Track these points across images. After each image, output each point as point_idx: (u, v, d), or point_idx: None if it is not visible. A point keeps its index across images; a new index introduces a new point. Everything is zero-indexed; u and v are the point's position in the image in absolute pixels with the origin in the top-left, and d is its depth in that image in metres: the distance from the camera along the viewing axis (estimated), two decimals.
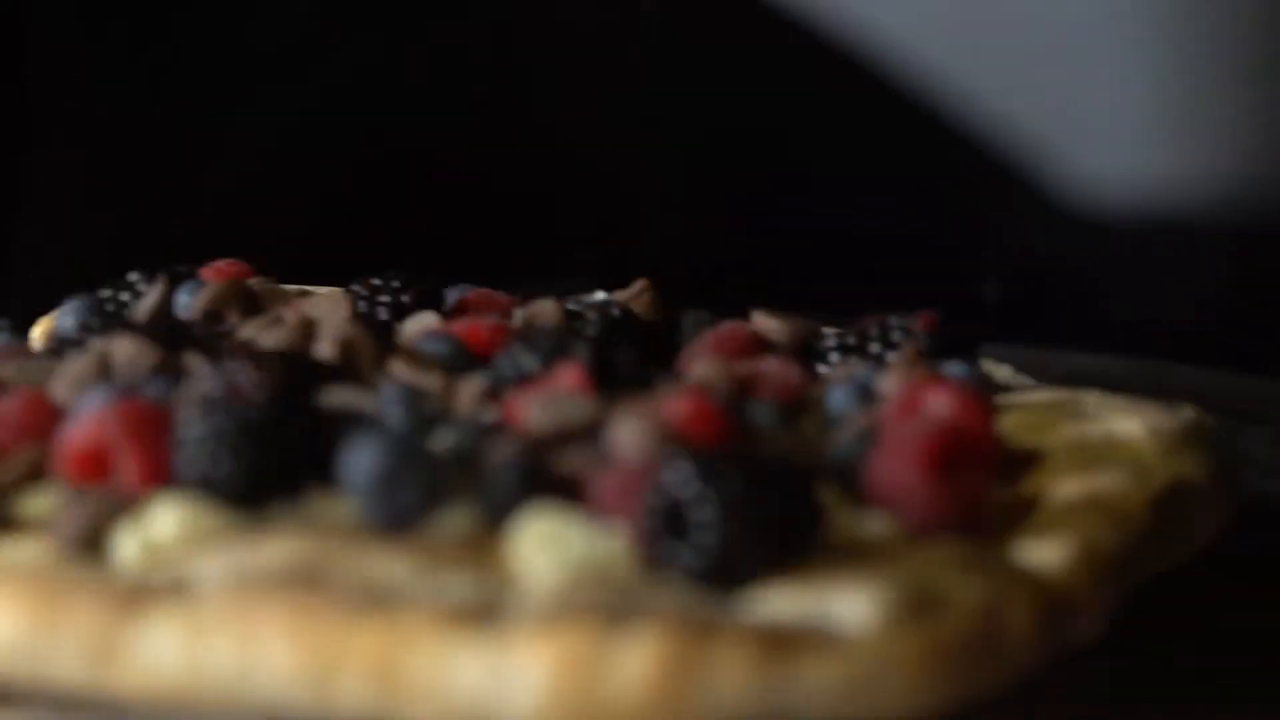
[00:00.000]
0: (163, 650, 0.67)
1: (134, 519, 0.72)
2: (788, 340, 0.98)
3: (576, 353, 0.86)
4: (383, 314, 0.98)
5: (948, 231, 1.56)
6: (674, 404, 0.80)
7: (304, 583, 0.68)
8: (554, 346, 0.87)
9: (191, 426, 0.74)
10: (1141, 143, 1.50)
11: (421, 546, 0.71)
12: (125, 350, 0.85)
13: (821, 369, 0.96)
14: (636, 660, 0.66)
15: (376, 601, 0.68)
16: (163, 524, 0.72)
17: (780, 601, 0.71)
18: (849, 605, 0.70)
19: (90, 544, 0.72)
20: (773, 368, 0.92)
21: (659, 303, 1.02)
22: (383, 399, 0.82)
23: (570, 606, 0.68)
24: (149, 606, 0.67)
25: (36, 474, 0.77)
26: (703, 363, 0.91)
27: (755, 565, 0.72)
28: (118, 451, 0.74)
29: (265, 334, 0.91)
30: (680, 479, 0.73)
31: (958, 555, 0.75)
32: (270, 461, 0.74)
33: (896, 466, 0.78)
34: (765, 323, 0.98)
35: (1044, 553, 0.77)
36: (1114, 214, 1.49)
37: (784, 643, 0.68)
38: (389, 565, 0.70)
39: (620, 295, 1.02)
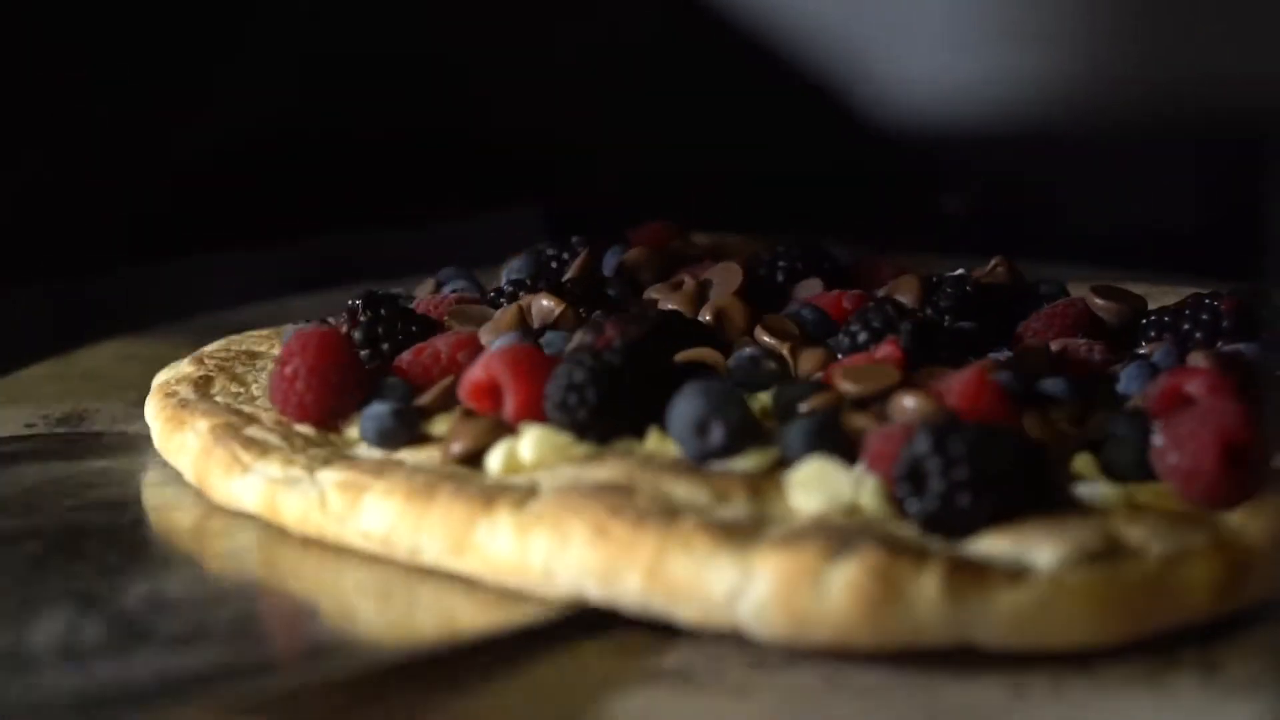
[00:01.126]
0: (501, 540, 0.91)
1: (506, 442, 0.97)
2: (1114, 318, 1.14)
3: (900, 330, 1.06)
4: (779, 277, 1.21)
5: None
6: (958, 379, 0.99)
7: (615, 496, 0.91)
8: (884, 324, 1.07)
9: (559, 372, 0.99)
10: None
11: (719, 478, 0.92)
12: (540, 305, 1.12)
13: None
14: (847, 576, 0.85)
15: (665, 516, 0.89)
16: (524, 447, 0.96)
17: (991, 545, 0.88)
18: (1043, 549, 0.87)
19: (471, 459, 0.97)
20: (1079, 346, 1.09)
21: (1014, 275, 1.21)
22: (733, 359, 1.06)
23: (817, 533, 0.88)
24: (496, 505, 0.91)
25: (450, 401, 1.02)
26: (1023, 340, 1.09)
27: (974, 517, 0.89)
28: (504, 387, 0.99)
29: (667, 296, 1.16)
30: (920, 441, 0.92)
31: (1170, 513, 0.91)
32: (615, 405, 0.96)
33: (1192, 454, 0.92)
34: (1096, 301, 1.15)
35: (1250, 518, 0.91)
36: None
37: (976, 573, 0.85)
38: (686, 490, 0.92)
39: (978, 271, 1.21)
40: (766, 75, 1.71)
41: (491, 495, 0.93)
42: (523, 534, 0.90)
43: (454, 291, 1.20)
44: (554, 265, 1.22)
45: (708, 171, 1.69)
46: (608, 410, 0.97)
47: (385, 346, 1.09)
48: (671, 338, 1.05)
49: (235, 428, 1.02)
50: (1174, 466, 0.94)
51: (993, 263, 1.21)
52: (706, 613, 0.87)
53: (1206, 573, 0.88)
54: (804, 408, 0.98)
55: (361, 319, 1.09)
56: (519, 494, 0.93)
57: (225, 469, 1.00)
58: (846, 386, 1.00)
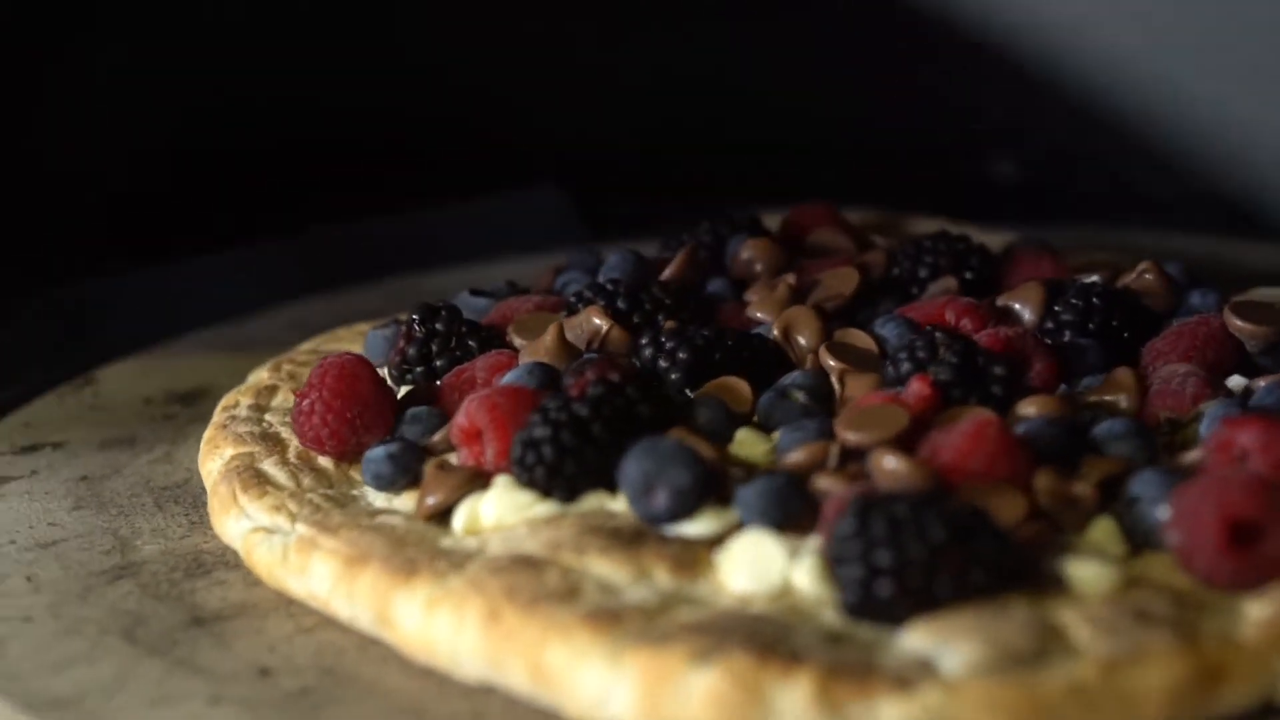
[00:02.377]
0: (411, 616, 0.90)
1: (474, 499, 0.96)
2: (1256, 342, 1.01)
3: (935, 367, 0.98)
4: (922, 273, 1.14)
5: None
6: (958, 430, 0.92)
7: (521, 574, 0.89)
8: (929, 353, 1.00)
9: (532, 423, 0.98)
10: None
11: (649, 551, 0.90)
12: (589, 323, 1.08)
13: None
14: (707, 683, 0.81)
15: (559, 600, 0.87)
16: (486, 505, 0.96)
17: (914, 641, 0.83)
18: (958, 649, 0.82)
19: (442, 514, 0.97)
20: (1173, 377, 0.98)
21: (1165, 283, 1.09)
22: (768, 392, 1.01)
23: (691, 630, 0.84)
24: (416, 577, 0.91)
25: None
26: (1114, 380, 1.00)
27: (897, 608, 0.84)
28: (484, 434, 0.97)
29: (758, 304, 1.11)
30: (845, 519, 0.87)
31: (1148, 601, 0.83)
32: (577, 462, 0.94)
33: (1193, 531, 0.85)
34: (1234, 321, 1.02)
35: (1255, 613, 0.83)
36: None
37: (857, 680, 0.80)
38: (605, 565, 0.89)
39: (1128, 277, 1.10)
40: (794, 37, 1.64)
41: (416, 565, 0.92)
42: (430, 611, 0.90)
43: (570, 286, 1.18)
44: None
45: (741, 143, 1.63)
46: (565, 469, 0.95)
47: (440, 364, 1.10)
48: (709, 361, 1.03)
49: (253, 460, 1.06)
50: (1176, 544, 0.86)
51: (1140, 267, 1.10)
52: (584, 711, 0.85)
53: (1162, 678, 0.81)
54: (792, 458, 0.94)
55: (418, 333, 1.11)
56: (452, 563, 0.93)
57: (223, 507, 1.03)
58: (847, 435, 0.95)
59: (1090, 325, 1.05)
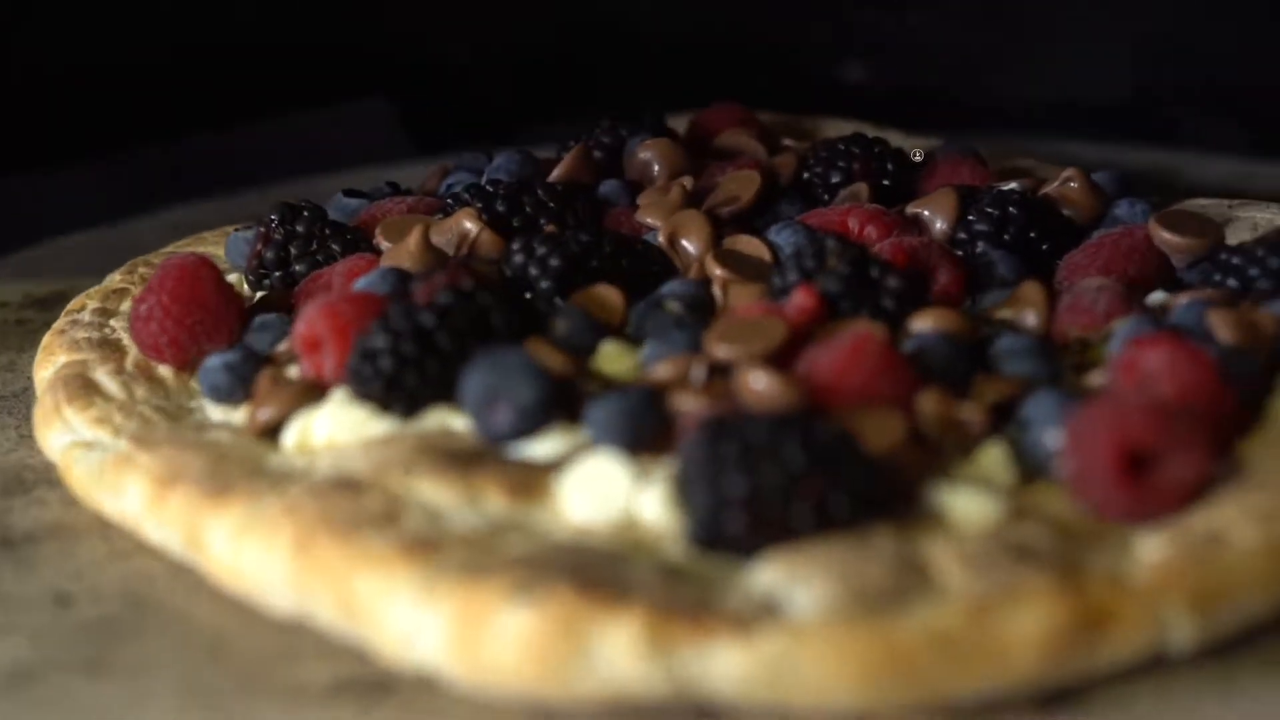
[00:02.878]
0: (220, 542, 0.82)
1: (308, 414, 0.88)
2: (1182, 256, 0.93)
3: (823, 277, 0.89)
4: (835, 178, 1.06)
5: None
6: (833, 345, 0.84)
7: (340, 497, 0.81)
8: (817, 262, 0.91)
9: (371, 331, 0.89)
10: None
11: (482, 475, 0.82)
12: (460, 226, 1.00)
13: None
14: (520, 623, 0.73)
15: (374, 526, 0.79)
16: (320, 422, 0.88)
17: (764, 575, 0.75)
18: (809, 589, 0.73)
19: (274, 430, 0.89)
20: (1084, 292, 0.89)
21: (1091, 193, 1.00)
22: (642, 303, 0.93)
23: (509, 564, 0.76)
24: (229, 499, 0.83)
25: None
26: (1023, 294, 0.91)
27: (748, 540, 0.76)
28: (324, 344, 0.90)
29: (649, 208, 1.02)
30: (692, 443, 0.78)
31: (1030, 536, 0.75)
32: (418, 375, 0.86)
33: (1085, 458, 0.77)
34: (1161, 233, 0.94)
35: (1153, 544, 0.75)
36: None
37: (690, 622, 0.72)
38: (433, 489, 0.81)
39: (1051, 185, 1.01)
40: None
41: (231, 486, 0.85)
42: (240, 536, 0.82)
43: (454, 187, 1.10)
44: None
45: (576, 51, 1.56)
46: (404, 381, 0.87)
47: (299, 269, 1.02)
48: (584, 268, 0.95)
49: (85, 368, 0.97)
50: (1068, 472, 0.77)
51: (1064, 174, 1.02)
52: (394, 650, 0.77)
53: (1037, 623, 0.72)
54: (654, 373, 0.86)
55: (276, 235, 1.03)
56: (271, 484, 0.84)
57: (45, 419, 0.95)
58: (716, 348, 0.86)
59: (1005, 236, 0.96)
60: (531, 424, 0.83)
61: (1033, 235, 0.97)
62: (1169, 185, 1.17)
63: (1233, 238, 0.97)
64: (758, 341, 0.85)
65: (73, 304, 1.05)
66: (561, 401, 0.84)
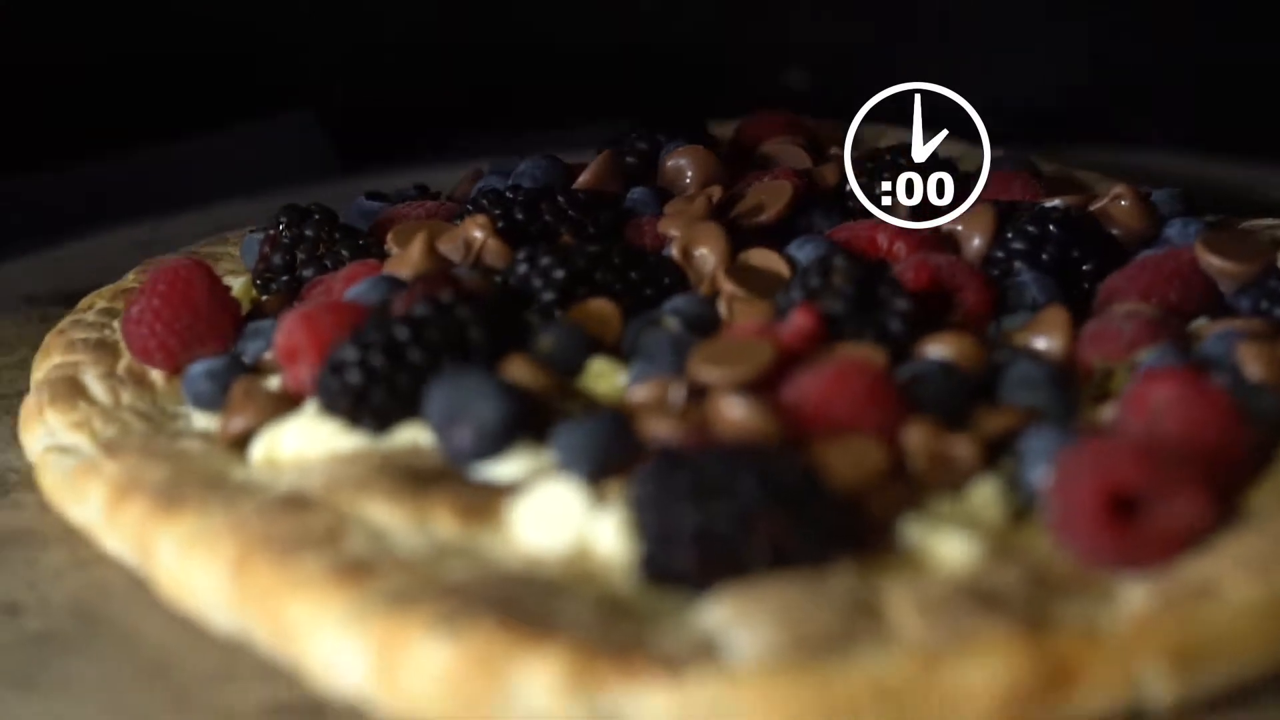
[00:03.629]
0: (168, 555, 0.81)
1: (277, 426, 0.86)
2: (1230, 281, 0.88)
3: (827, 297, 0.86)
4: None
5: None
6: (820, 372, 0.80)
7: (286, 517, 0.79)
8: (823, 281, 0.87)
9: (344, 343, 0.86)
10: None
11: (436, 497, 0.79)
12: (468, 235, 0.97)
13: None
14: (440, 657, 0.71)
15: (313, 548, 0.77)
16: (288, 435, 0.86)
17: (711, 614, 0.72)
18: (752, 632, 0.70)
19: (246, 440, 0.87)
20: (1119, 317, 0.85)
21: (1142, 212, 0.94)
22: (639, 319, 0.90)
23: (437, 593, 0.73)
24: (181, 511, 0.81)
25: None
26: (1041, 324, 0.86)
27: (699, 576, 0.73)
28: (300, 355, 0.87)
29: (673, 218, 0.99)
30: (644, 476, 0.75)
31: (1001, 581, 0.71)
32: (388, 390, 0.84)
33: (1069, 500, 0.73)
34: (1208, 258, 0.88)
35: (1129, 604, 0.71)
36: None
37: (617, 663, 0.69)
38: (384, 510, 0.79)
39: (1101, 200, 0.96)
40: None
41: (184, 499, 0.83)
42: (186, 551, 0.80)
43: (483, 191, 1.06)
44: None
45: (507, 62, 1.53)
46: (372, 397, 0.84)
47: (307, 273, 1.00)
48: (590, 281, 0.92)
49: (75, 370, 0.96)
50: (1052, 514, 0.73)
51: (1114, 191, 0.96)
52: (323, 676, 0.75)
53: (993, 677, 0.68)
54: (634, 395, 0.83)
55: (284, 239, 1.01)
56: (225, 498, 0.83)
57: (28, 421, 0.94)
58: (700, 371, 0.83)
59: (1043, 256, 0.92)
60: (493, 445, 0.81)
61: (1075, 255, 0.92)
62: (1245, 200, 1.10)
63: None
64: (743, 365, 0.81)
65: (83, 303, 1.04)
66: (531, 423, 0.81)
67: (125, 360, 0.97)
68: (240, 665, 0.78)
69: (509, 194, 1.00)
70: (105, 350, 0.98)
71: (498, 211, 0.98)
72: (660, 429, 0.79)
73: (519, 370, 0.83)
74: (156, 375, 0.96)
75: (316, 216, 1.00)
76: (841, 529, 0.73)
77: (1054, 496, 0.73)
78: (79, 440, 0.91)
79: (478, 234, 0.96)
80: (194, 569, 0.80)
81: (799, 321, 0.83)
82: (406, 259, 0.95)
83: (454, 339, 0.85)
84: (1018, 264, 0.92)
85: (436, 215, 1.02)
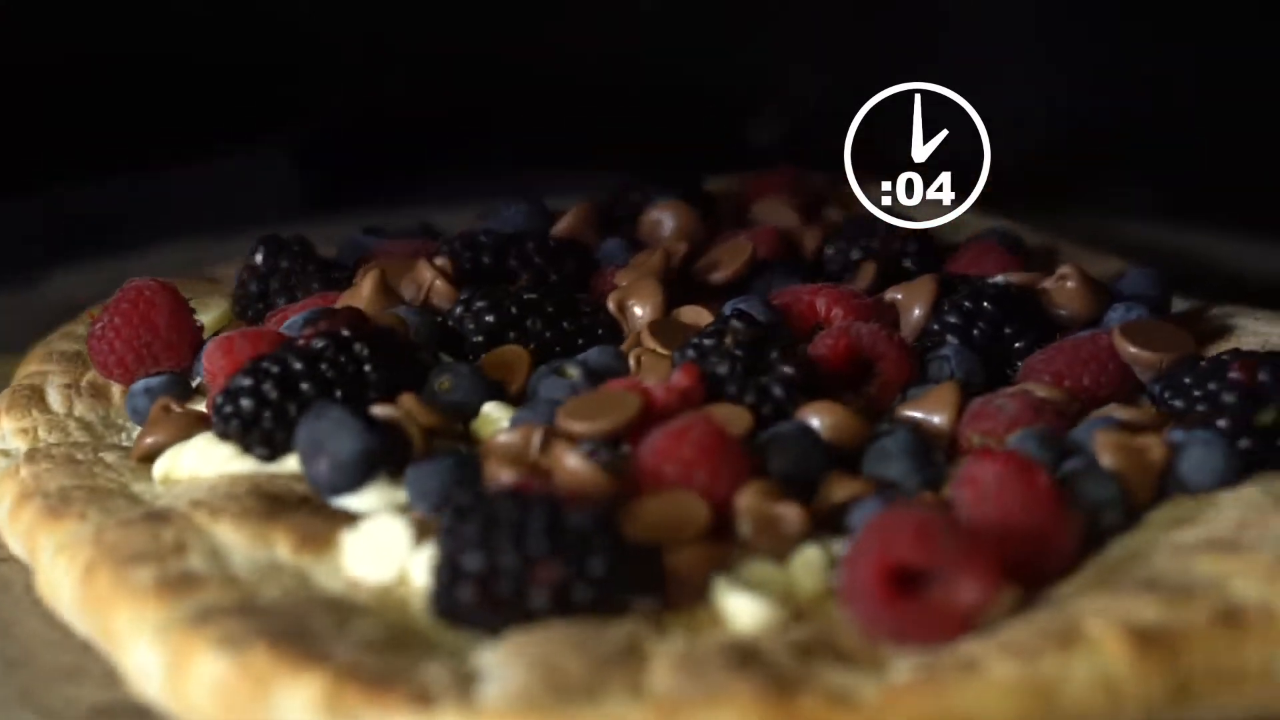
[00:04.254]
0: (44, 565, 0.85)
1: (180, 447, 0.90)
2: (1148, 372, 0.87)
3: (715, 357, 0.87)
4: (855, 255, 1.04)
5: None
6: (666, 429, 0.81)
7: (142, 530, 0.83)
8: (716, 342, 0.88)
9: (242, 371, 0.89)
10: None
11: (282, 523, 0.82)
12: (419, 274, 1.00)
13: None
14: (214, 671, 0.74)
15: (152, 561, 0.80)
16: (187, 456, 0.89)
17: (489, 654, 0.74)
18: (510, 671, 0.72)
19: (154, 457, 0.91)
20: (998, 400, 0.85)
21: (1084, 293, 0.93)
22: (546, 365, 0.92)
23: (237, 610, 0.77)
24: (61, 520, 0.86)
25: None
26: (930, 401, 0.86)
27: (483, 618, 0.75)
28: (218, 377, 0.91)
29: (628, 271, 1.00)
30: (448, 512, 0.77)
31: (769, 644, 0.72)
32: (276, 417, 0.87)
33: (854, 573, 0.74)
34: (1126, 347, 0.87)
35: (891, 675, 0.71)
36: None
37: (374, 688, 0.71)
38: (229, 531, 0.82)
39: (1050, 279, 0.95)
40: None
41: (68, 507, 0.87)
42: (54, 557, 0.85)
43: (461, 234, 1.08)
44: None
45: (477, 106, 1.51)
46: (262, 423, 0.88)
47: (280, 302, 1.03)
48: (519, 326, 0.95)
49: (43, 379, 1.01)
50: (840, 585, 0.75)
51: (1060, 271, 0.96)
52: (135, 683, 0.79)
53: None
54: (498, 440, 0.85)
55: (260, 268, 1.04)
56: (110, 509, 0.87)
57: None
58: (564, 421, 0.84)
59: (975, 332, 0.90)
60: (348, 478, 0.84)
61: (1007, 332, 0.91)
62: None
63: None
64: (605, 418, 0.82)
65: (84, 314, 1.09)
66: (394, 459, 0.84)
67: (90, 374, 1.01)
68: (93, 667, 0.81)
69: (482, 237, 1.02)
70: (76, 362, 1.03)
71: (468, 254, 1.00)
72: (503, 473, 0.80)
73: (401, 408, 0.85)
74: (116, 389, 0.99)
75: (295, 248, 1.03)
76: (634, 581, 0.74)
77: (844, 566, 0.72)
78: (19, 445, 0.95)
79: (427, 274, 0.98)
80: (58, 572, 0.84)
81: (675, 379, 0.84)
82: (357, 294, 0.97)
83: (348, 375, 0.87)
84: (950, 337, 0.91)
85: (420, 253, 1.05)
